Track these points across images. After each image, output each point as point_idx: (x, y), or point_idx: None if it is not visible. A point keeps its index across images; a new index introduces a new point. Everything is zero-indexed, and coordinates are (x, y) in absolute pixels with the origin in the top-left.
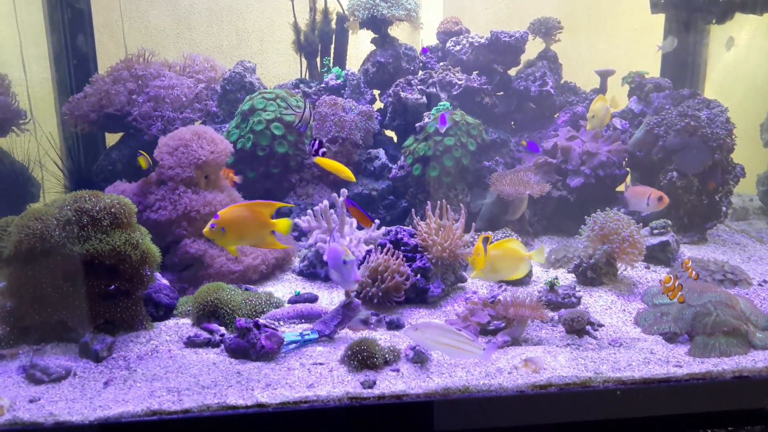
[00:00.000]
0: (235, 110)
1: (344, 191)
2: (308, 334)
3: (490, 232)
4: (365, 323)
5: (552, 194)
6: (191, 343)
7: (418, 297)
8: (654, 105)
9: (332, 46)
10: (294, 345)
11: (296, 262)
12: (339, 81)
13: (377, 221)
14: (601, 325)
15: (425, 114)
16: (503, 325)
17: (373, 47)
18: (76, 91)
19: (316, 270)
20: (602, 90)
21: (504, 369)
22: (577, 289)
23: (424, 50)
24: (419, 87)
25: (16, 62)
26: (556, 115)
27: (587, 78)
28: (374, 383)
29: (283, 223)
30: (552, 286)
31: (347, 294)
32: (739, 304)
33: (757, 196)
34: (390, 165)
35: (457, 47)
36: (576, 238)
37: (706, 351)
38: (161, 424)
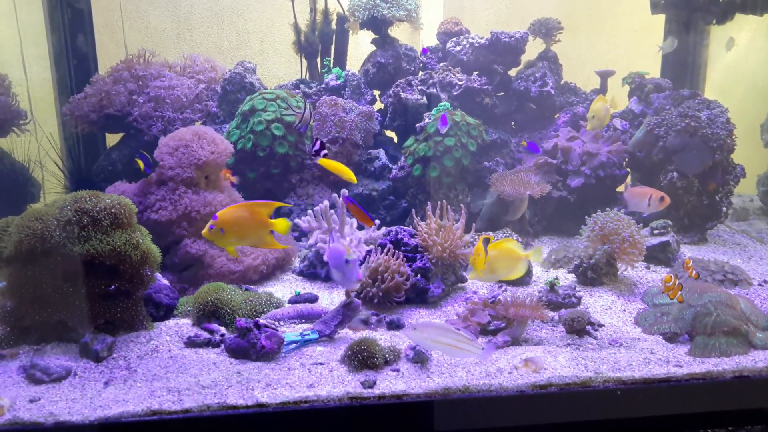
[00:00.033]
0: (235, 111)
1: (344, 191)
2: (308, 334)
3: (491, 233)
4: (365, 323)
5: (552, 194)
6: (191, 343)
7: (419, 297)
8: (654, 105)
9: (332, 47)
10: (294, 345)
11: (296, 263)
12: (339, 81)
13: (377, 221)
14: (601, 325)
15: (425, 114)
16: (503, 325)
17: (374, 48)
18: (76, 92)
19: (316, 270)
20: (602, 90)
21: (504, 369)
22: (577, 289)
23: (425, 51)
24: (419, 87)
25: (16, 62)
26: (556, 116)
27: (587, 78)
28: (374, 383)
29: (281, 223)
30: (552, 286)
31: (347, 294)
32: (740, 304)
33: (758, 196)
34: (390, 165)
35: (458, 48)
36: (576, 239)
37: (707, 351)
38: (161, 424)
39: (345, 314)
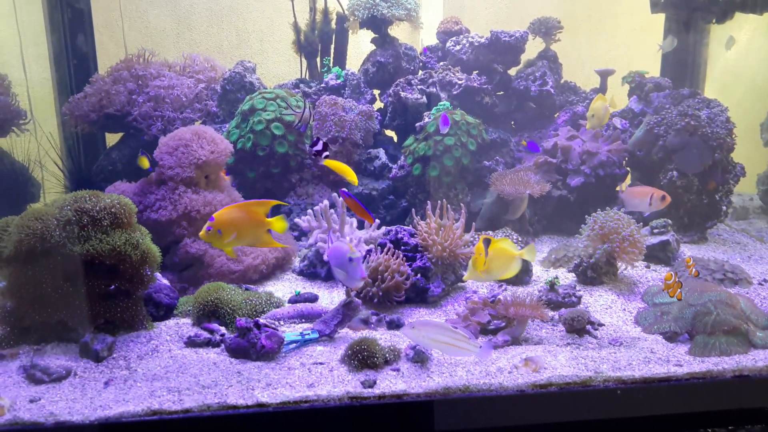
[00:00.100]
0: (235, 110)
1: (344, 191)
2: (308, 334)
3: (491, 232)
4: (365, 323)
5: (552, 194)
6: (192, 342)
7: (419, 296)
8: (654, 104)
9: (332, 46)
10: (294, 345)
11: (296, 262)
12: (339, 81)
13: (377, 221)
14: (601, 325)
15: (425, 114)
16: (503, 324)
17: (373, 47)
18: (76, 91)
19: (316, 270)
20: (602, 89)
21: (504, 368)
22: (577, 288)
23: (425, 50)
24: (419, 87)
25: (16, 62)
26: (556, 115)
27: (587, 78)
28: (375, 383)
29: (278, 222)
30: (552, 285)
31: (348, 293)
32: (740, 303)
33: (758, 195)
34: (390, 165)
35: (457, 47)
36: (576, 238)
37: (707, 350)
38: (162, 423)
39: (345, 314)
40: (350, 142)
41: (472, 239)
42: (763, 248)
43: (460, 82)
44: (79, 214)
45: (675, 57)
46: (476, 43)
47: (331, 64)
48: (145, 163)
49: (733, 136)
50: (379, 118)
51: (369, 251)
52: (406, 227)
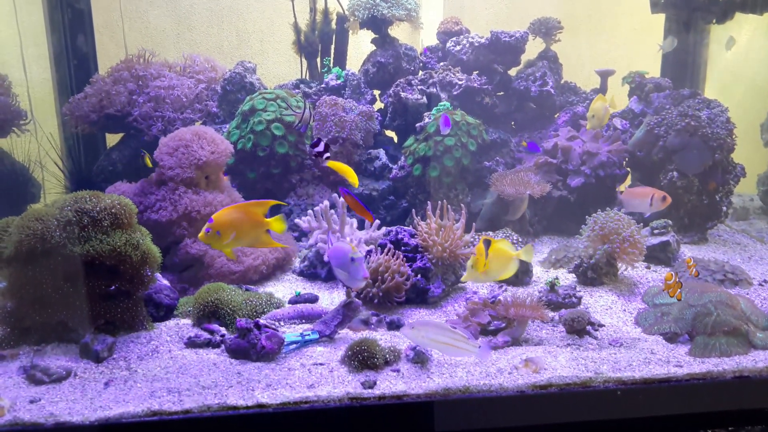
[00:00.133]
0: (235, 111)
1: (344, 189)
2: (309, 335)
3: (491, 233)
4: (365, 323)
5: (552, 194)
6: (192, 343)
7: (419, 297)
8: (654, 105)
9: (332, 47)
10: (294, 345)
11: (297, 263)
12: (339, 81)
13: (377, 221)
14: (601, 325)
15: (425, 114)
16: (504, 325)
17: (374, 47)
18: (76, 92)
19: (316, 270)
20: (602, 90)
21: (504, 369)
22: (577, 289)
23: (425, 50)
24: (419, 87)
25: (16, 63)
26: (556, 115)
27: (587, 78)
28: (375, 383)
29: (277, 222)
30: (552, 286)
31: (348, 294)
32: (740, 304)
33: (758, 195)
34: (390, 165)
35: (458, 47)
36: (576, 238)
37: (707, 351)
38: (162, 424)
39: (345, 314)
40: (350, 143)
41: (472, 240)
42: (763, 249)
43: (460, 82)
44: (79, 215)
45: (675, 57)
46: (476, 44)
47: (332, 65)
48: (148, 162)
49: (734, 136)
50: (379, 118)
51: (369, 252)
52: (406, 228)
